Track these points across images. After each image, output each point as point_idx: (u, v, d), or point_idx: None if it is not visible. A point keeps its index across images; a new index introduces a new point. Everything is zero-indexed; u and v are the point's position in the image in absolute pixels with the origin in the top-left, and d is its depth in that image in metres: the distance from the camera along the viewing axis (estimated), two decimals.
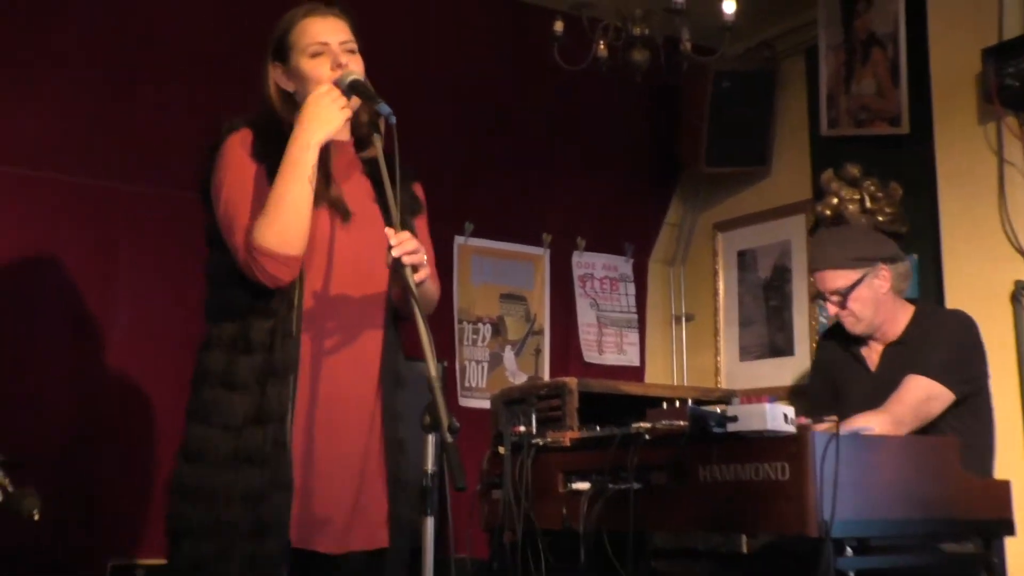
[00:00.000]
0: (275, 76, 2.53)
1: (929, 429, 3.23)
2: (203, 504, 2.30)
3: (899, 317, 3.43)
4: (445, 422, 1.97)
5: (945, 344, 3.28)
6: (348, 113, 2.41)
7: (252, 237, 2.31)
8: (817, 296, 3.55)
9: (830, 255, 3.46)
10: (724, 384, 5.20)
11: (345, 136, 2.56)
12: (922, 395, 3.20)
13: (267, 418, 2.31)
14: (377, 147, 2.40)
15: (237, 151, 2.43)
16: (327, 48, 2.48)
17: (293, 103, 2.51)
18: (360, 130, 2.57)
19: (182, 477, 2.35)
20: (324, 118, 2.37)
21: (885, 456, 2.56)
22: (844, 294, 3.38)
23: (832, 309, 3.45)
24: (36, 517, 2.29)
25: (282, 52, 2.52)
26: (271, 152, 2.41)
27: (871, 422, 3.06)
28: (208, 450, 2.33)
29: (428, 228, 2.69)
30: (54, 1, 3.86)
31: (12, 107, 3.77)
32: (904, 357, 3.34)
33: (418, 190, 2.70)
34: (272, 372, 2.33)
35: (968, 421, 3.27)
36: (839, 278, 3.40)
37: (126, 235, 3.96)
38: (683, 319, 5.50)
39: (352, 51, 2.51)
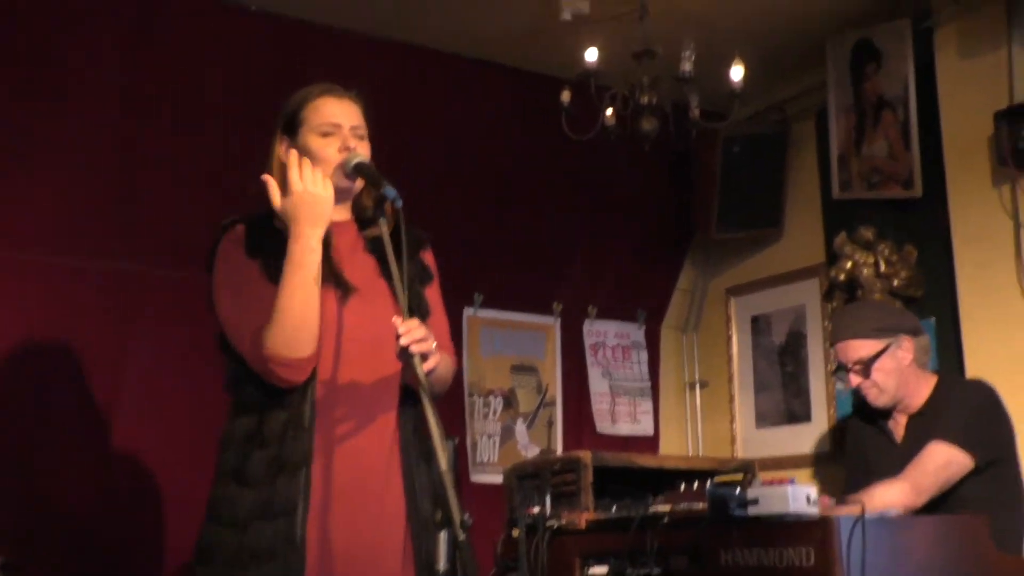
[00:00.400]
0: (281, 151, 2.51)
1: (952, 498, 3.17)
2: None
3: (922, 388, 3.41)
4: (457, 518, 1.90)
5: (963, 409, 3.26)
6: (331, 188, 2.38)
7: (262, 346, 2.29)
8: (839, 369, 3.49)
9: (852, 326, 3.46)
10: (741, 452, 5.14)
11: (346, 215, 2.53)
12: (941, 460, 3.16)
13: (275, 513, 2.26)
14: (383, 230, 2.36)
15: (231, 253, 2.42)
16: (338, 130, 2.47)
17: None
18: (364, 212, 2.55)
19: None
20: (319, 212, 2.35)
21: (914, 538, 2.49)
22: (867, 364, 3.36)
23: (855, 380, 3.41)
24: None
25: (292, 127, 2.50)
26: (265, 246, 2.40)
27: (891, 491, 3.03)
28: (217, 549, 2.29)
29: (441, 296, 2.65)
30: (64, 83, 3.85)
31: (21, 191, 3.75)
32: (927, 427, 3.30)
33: (428, 258, 2.67)
34: (282, 466, 2.29)
35: (993, 491, 3.22)
36: (862, 348, 3.38)
37: (136, 317, 3.93)
38: (697, 386, 5.44)
39: (362, 137, 2.51)
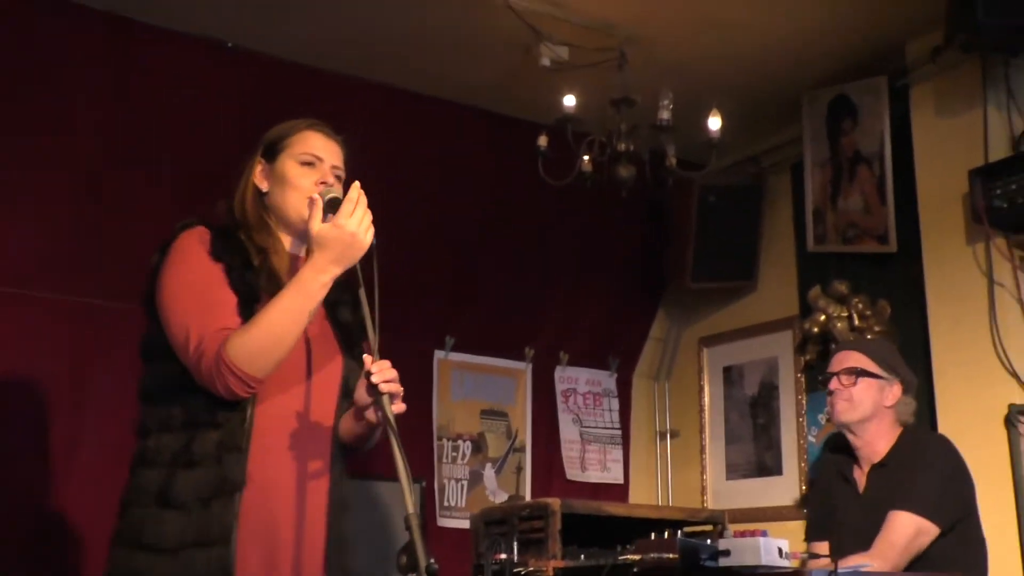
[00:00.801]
0: (256, 172, 2.48)
1: (921, 560, 3.15)
2: None
3: (887, 437, 3.41)
4: (423, 563, 1.86)
5: (928, 475, 3.24)
6: (371, 239, 2.26)
7: (227, 350, 2.18)
8: (825, 379, 3.49)
9: (864, 344, 3.61)
10: (711, 503, 5.11)
11: (301, 251, 2.48)
12: (910, 532, 3.15)
13: (210, 540, 2.17)
14: (357, 268, 2.33)
15: (196, 247, 2.33)
16: (319, 163, 2.45)
17: (261, 203, 2.47)
18: None
19: None
20: (351, 256, 2.24)
21: None
22: (858, 374, 3.38)
23: (835, 384, 3.42)
24: None
25: (272, 152, 2.48)
26: (232, 252, 2.34)
27: (856, 561, 3.00)
28: None
29: None
30: (34, 119, 3.81)
31: None
32: (887, 480, 3.30)
33: None
34: (218, 489, 2.20)
35: (958, 549, 3.21)
36: (864, 362, 3.41)
37: (98, 349, 3.85)
38: (668, 435, 5.41)
39: (339, 178, 2.48)
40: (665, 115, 3.89)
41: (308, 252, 2.28)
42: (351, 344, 2.49)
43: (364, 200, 2.26)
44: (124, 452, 3.70)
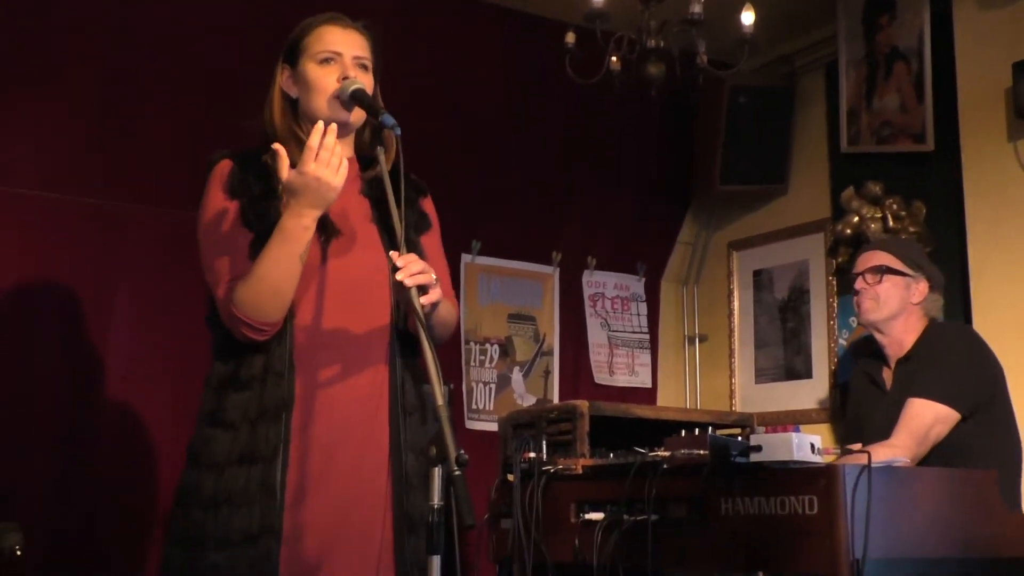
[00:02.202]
0: (282, 79, 2.43)
1: (944, 448, 3.17)
2: (187, 549, 2.21)
3: (913, 332, 3.42)
4: (453, 454, 1.83)
5: (943, 361, 3.26)
6: (344, 175, 2.25)
7: (232, 301, 2.23)
8: (851, 279, 3.52)
9: (890, 243, 3.64)
10: (739, 407, 5.10)
11: (346, 153, 2.42)
12: (928, 420, 3.17)
13: (253, 459, 2.21)
14: (381, 160, 2.28)
15: (216, 187, 2.35)
16: (338, 58, 2.39)
17: (294, 111, 2.42)
18: (365, 148, 2.46)
19: (173, 520, 2.28)
20: (323, 197, 2.24)
21: (921, 490, 2.43)
22: (883, 272, 3.40)
23: (861, 284, 3.45)
24: (19, 552, 2.17)
25: (294, 55, 2.42)
26: (250, 185, 2.33)
27: (879, 451, 2.99)
28: (193, 491, 2.24)
29: (441, 246, 2.57)
30: (53, 18, 3.75)
31: (7, 126, 3.65)
32: (911, 373, 3.32)
33: (427, 206, 2.59)
34: (263, 411, 2.24)
35: (983, 437, 3.22)
36: (889, 260, 3.43)
37: (125, 256, 3.84)
38: (696, 340, 5.39)
39: (365, 67, 2.42)
40: (696, 8, 3.78)
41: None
42: (395, 244, 2.44)
43: (329, 142, 2.21)
44: (149, 355, 3.77)
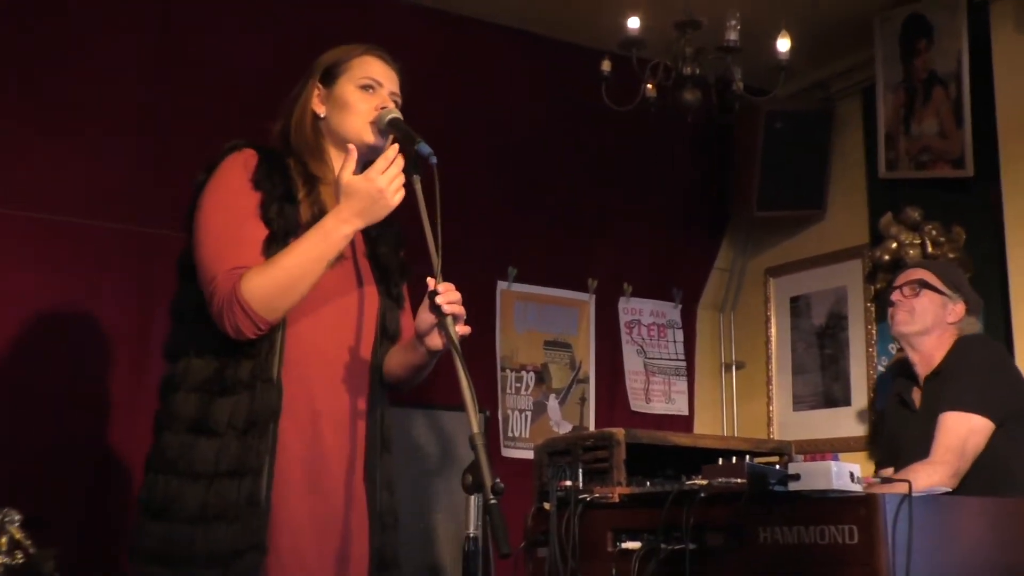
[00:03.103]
0: (315, 96, 2.45)
1: (982, 469, 3.14)
2: (171, 567, 2.13)
3: (943, 349, 3.41)
4: (488, 483, 1.83)
5: (971, 372, 3.25)
6: (399, 199, 2.26)
7: (242, 286, 2.17)
8: (890, 292, 3.51)
9: (933, 264, 3.63)
10: (777, 435, 5.07)
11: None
12: (963, 432, 3.14)
13: (242, 471, 2.16)
14: (416, 189, 2.29)
15: (238, 172, 2.30)
16: (379, 88, 2.42)
17: (316, 128, 2.44)
18: None
19: (146, 536, 2.18)
20: (376, 212, 2.23)
21: (962, 520, 2.39)
22: (923, 286, 3.40)
23: (897, 296, 3.45)
24: None
25: (331, 76, 2.45)
26: (274, 181, 2.31)
27: (922, 473, 3.02)
28: (174, 503, 2.16)
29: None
30: (89, 44, 3.81)
31: (50, 155, 3.70)
32: (940, 389, 3.31)
33: (403, 255, 2.59)
34: (252, 420, 2.19)
35: (1012, 447, 3.19)
36: (928, 276, 3.43)
37: (165, 282, 3.85)
38: (733, 367, 5.37)
39: (397, 104, 2.44)
40: (732, 36, 3.80)
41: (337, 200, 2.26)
42: (388, 282, 2.46)
43: (400, 162, 2.24)
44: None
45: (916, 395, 3.43)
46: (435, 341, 2.30)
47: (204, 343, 2.25)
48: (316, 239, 2.22)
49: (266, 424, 2.20)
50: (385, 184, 2.22)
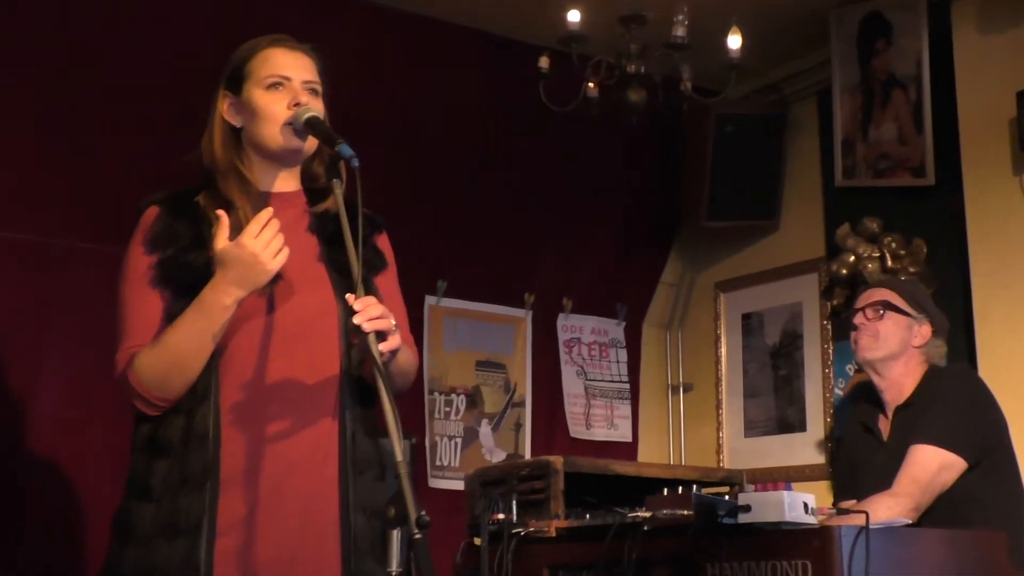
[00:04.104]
0: (223, 107, 2.42)
1: (947, 499, 3.19)
2: None
3: (913, 377, 3.46)
4: (413, 516, 1.83)
5: (947, 406, 3.29)
6: (282, 260, 2.26)
7: (132, 368, 2.25)
8: (849, 315, 3.57)
9: (896, 283, 3.67)
10: (727, 463, 5.11)
11: (293, 186, 2.45)
12: (932, 467, 3.19)
13: (175, 532, 2.19)
14: (336, 194, 2.28)
15: (136, 239, 2.36)
16: (288, 83, 2.38)
17: (237, 142, 2.41)
18: (314, 181, 2.47)
19: None
20: (253, 279, 2.24)
21: (923, 553, 2.45)
22: (887, 308, 3.44)
23: (860, 320, 3.49)
24: None
25: (237, 81, 2.41)
26: (179, 233, 2.33)
27: (883, 504, 3.05)
28: (118, 569, 2.22)
29: (398, 287, 2.57)
30: None
31: None
32: (911, 421, 3.34)
33: (383, 243, 2.59)
34: (185, 479, 2.22)
35: (989, 487, 3.24)
36: (892, 297, 3.47)
37: (58, 294, 3.82)
38: (681, 389, 5.41)
39: (315, 92, 2.42)
40: (680, 32, 3.84)
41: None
42: (350, 282, 2.44)
43: (275, 224, 2.24)
44: (85, 395, 3.74)
45: (883, 424, 3.48)
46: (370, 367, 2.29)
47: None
48: (194, 314, 2.24)
49: (202, 482, 2.22)
50: (260, 249, 2.22)
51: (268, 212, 2.25)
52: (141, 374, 2.23)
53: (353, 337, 2.21)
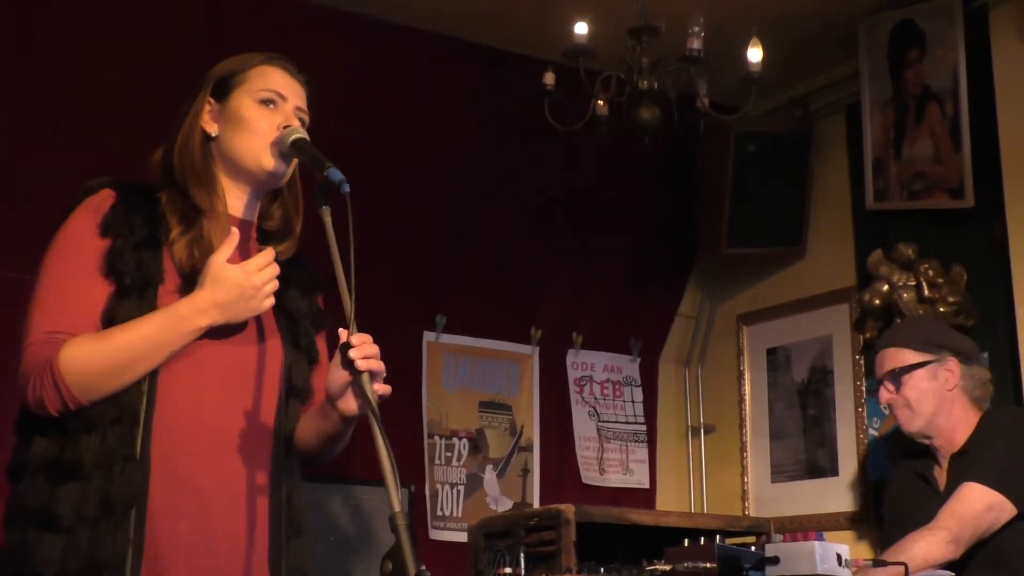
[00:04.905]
0: (205, 114, 2.44)
1: (992, 548, 3.22)
2: None
3: (964, 423, 3.47)
4: (412, 571, 1.83)
5: (1005, 447, 3.32)
6: (271, 304, 2.31)
7: (60, 356, 2.20)
8: (877, 384, 3.58)
9: (898, 334, 3.65)
10: (753, 511, 5.11)
11: (250, 216, 2.48)
12: (979, 506, 3.21)
13: (98, 567, 2.14)
14: (326, 223, 2.28)
15: (86, 218, 2.32)
16: (282, 103, 2.43)
17: (206, 151, 2.43)
18: (269, 221, 2.51)
19: None
20: (240, 311, 2.28)
21: None
22: (899, 374, 3.45)
23: (885, 395, 3.52)
24: None
25: (224, 88, 2.45)
26: (134, 227, 2.31)
27: (928, 544, 3.09)
28: None
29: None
30: None
31: None
32: (967, 467, 3.36)
33: (321, 302, 2.61)
34: (107, 507, 2.17)
35: None
36: (900, 357, 3.49)
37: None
38: (702, 431, 5.41)
39: (303, 123, 2.46)
40: (695, 44, 3.85)
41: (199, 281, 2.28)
42: (296, 333, 2.46)
43: (276, 268, 2.30)
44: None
45: (939, 474, 3.49)
46: (349, 405, 2.31)
47: (46, 419, 2.24)
48: (163, 324, 2.24)
49: (126, 510, 2.18)
50: (261, 281, 2.26)
51: (271, 252, 2.29)
52: (70, 366, 2.19)
53: (344, 369, 2.20)
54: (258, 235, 2.49)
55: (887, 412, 3.61)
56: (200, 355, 2.29)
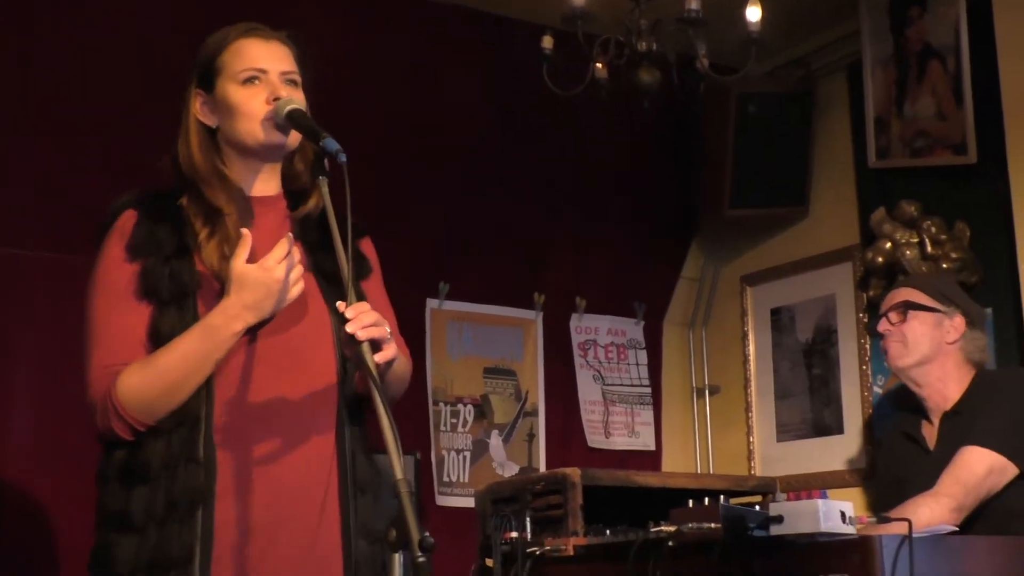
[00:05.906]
0: (196, 108, 2.43)
1: (994, 509, 3.22)
2: None
3: (957, 380, 3.47)
4: (416, 537, 1.83)
5: (1004, 408, 3.31)
6: (300, 291, 2.32)
7: (117, 388, 2.25)
8: (880, 316, 3.57)
9: (916, 279, 3.74)
10: (759, 470, 5.12)
11: (273, 188, 2.47)
12: (981, 470, 3.21)
13: (165, 565, 2.20)
14: (323, 193, 2.28)
15: (114, 244, 2.36)
16: (264, 76, 2.40)
17: (214, 143, 2.42)
18: (295, 182, 2.48)
19: None
20: (269, 307, 2.29)
21: (973, 564, 2.45)
22: (909, 307, 3.47)
23: (884, 326, 3.52)
24: None
25: (208, 78, 2.43)
26: (161, 241, 2.34)
27: (928, 507, 3.09)
28: None
29: (384, 291, 2.60)
30: None
31: None
32: (962, 429, 3.35)
33: (367, 248, 2.62)
34: (172, 506, 2.23)
35: None
36: (914, 295, 3.50)
37: (17, 304, 3.84)
38: (707, 392, 5.42)
39: (294, 83, 2.43)
40: (694, 5, 3.83)
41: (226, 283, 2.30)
42: (340, 293, 2.45)
43: (297, 253, 2.31)
44: (48, 407, 3.74)
45: (928, 431, 3.49)
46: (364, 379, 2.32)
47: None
48: (199, 336, 2.26)
49: (192, 508, 2.23)
50: (283, 276, 2.27)
51: (290, 239, 2.28)
52: (127, 396, 2.24)
53: (346, 348, 2.23)
54: (289, 200, 2.48)
55: (882, 345, 3.58)
56: (250, 348, 2.32)
